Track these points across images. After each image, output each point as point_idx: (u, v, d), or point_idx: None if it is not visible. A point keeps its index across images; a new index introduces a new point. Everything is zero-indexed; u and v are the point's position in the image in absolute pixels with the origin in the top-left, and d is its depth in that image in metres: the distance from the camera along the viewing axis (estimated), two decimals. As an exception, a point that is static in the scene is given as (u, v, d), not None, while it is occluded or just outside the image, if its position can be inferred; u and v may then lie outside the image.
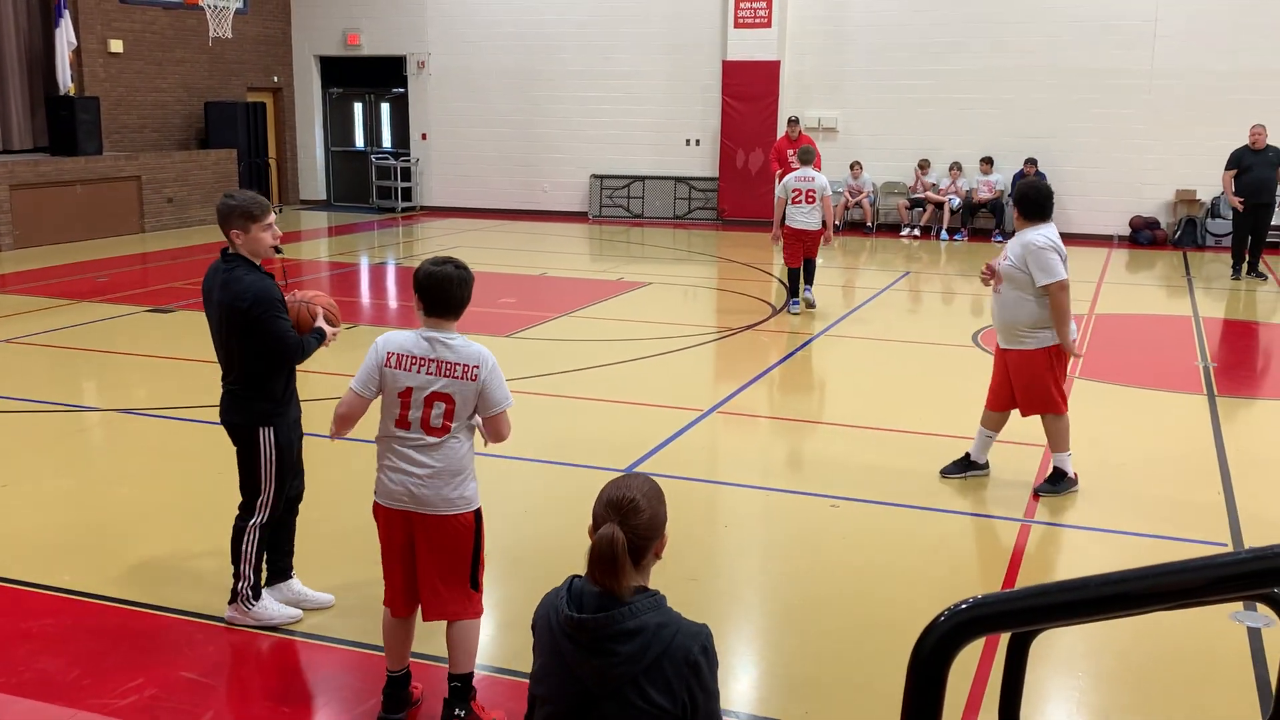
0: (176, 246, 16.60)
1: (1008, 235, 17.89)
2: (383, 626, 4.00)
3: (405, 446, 3.79)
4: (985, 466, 6.67)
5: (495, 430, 3.85)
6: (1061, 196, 18.25)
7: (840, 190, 19.10)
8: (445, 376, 3.74)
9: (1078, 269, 14.94)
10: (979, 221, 18.55)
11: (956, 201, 18.35)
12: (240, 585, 4.63)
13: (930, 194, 18.58)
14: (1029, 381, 6.25)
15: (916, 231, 18.56)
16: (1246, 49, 16.99)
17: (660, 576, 2.72)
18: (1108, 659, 4.56)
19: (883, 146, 19.11)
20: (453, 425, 3.77)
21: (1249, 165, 14.10)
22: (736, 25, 19.35)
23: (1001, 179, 18.34)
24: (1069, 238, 18.26)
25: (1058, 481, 6.38)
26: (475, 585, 3.89)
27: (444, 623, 3.94)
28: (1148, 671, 4.47)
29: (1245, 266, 14.39)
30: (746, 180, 19.45)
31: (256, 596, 4.65)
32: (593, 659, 2.50)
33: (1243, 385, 9.25)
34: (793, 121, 16.58)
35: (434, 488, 3.77)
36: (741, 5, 19.25)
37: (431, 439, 3.77)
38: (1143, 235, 17.63)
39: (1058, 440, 6.37)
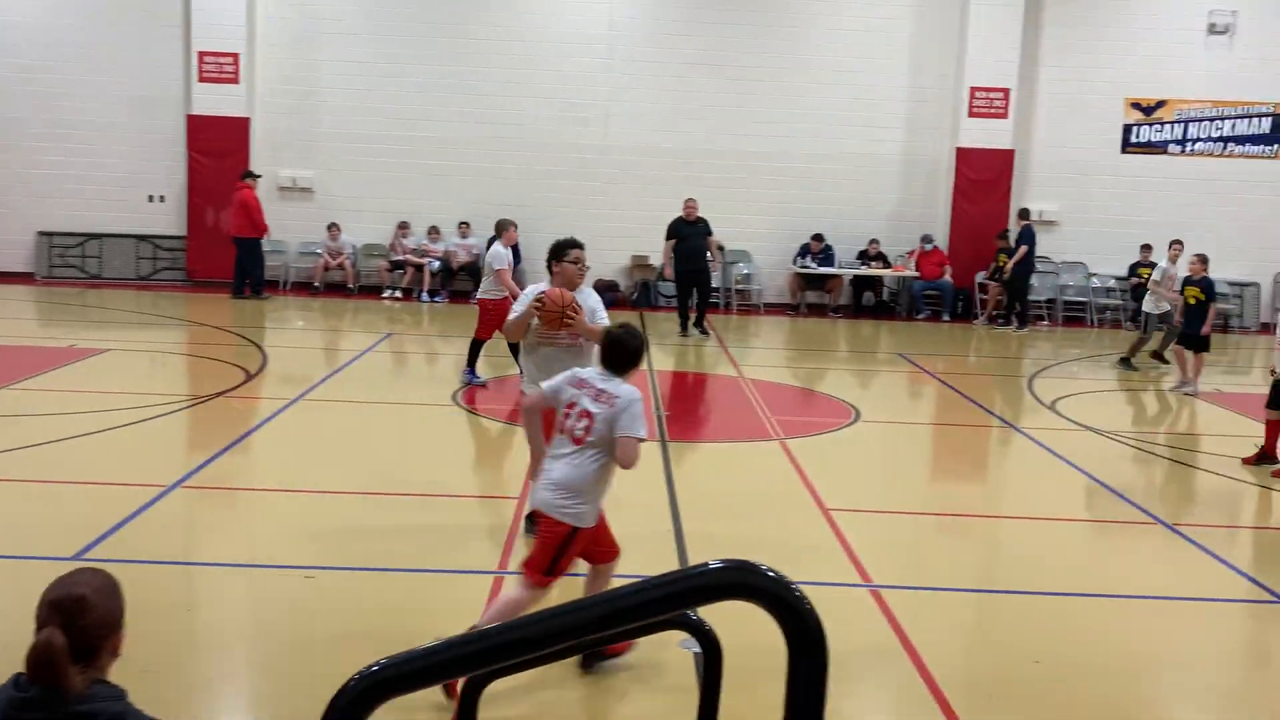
0: None
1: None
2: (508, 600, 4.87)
3: (557, 448, 4.82)
4: None
5: (623, 452, 4.70)
6: (536, 261, 19.32)
7: (319, 252, 18.86)
8: (597, 399, 4.77)
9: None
10: (458, 283, 19.08)
11: (436, 264, 18.76)
12: None
13: (411, 256, 18.85)
14: None
15: (398, 293, 18.72)
16: (685, 130, 19.08)
17: (110, 672, 2.46)
18: (560, 701, 4.77)
19: (361, 209, 19.10)
20: (588, 438, 4.72)
21: (685, 235, 15.84)
22: (201, 79, 18.49)
23: (478, 243, 19.04)
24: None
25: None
26: (549, 572, 4.74)
27: None
28: (602, 707, 4.74)
29: (690, 324, 16.03)
30: (218, 240, 18.54)
31: None
32: None
33: (690, 430, 10.24)
34: (252, 175, 17.22)
35: (547, 498, 4.75)
36: (206, 59, 18.44)
37: (574, 448, 4.74)
38: (606, 297, 18.88)
39: None
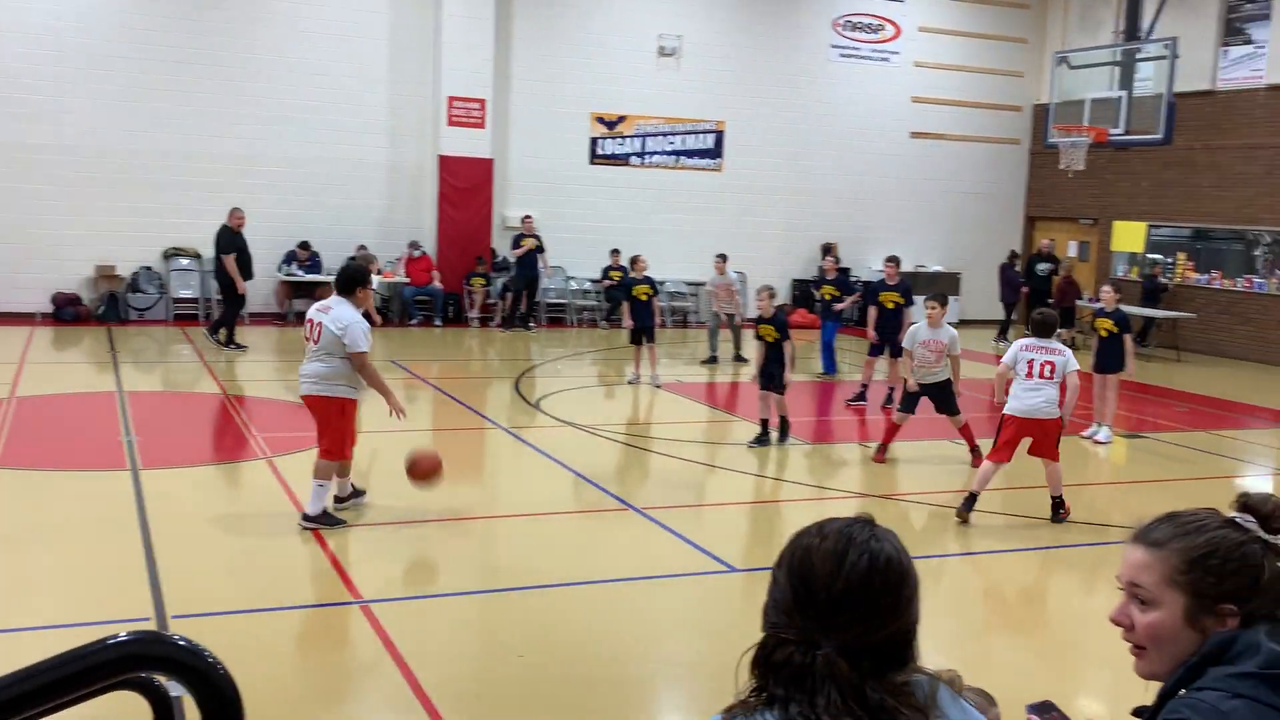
0: None
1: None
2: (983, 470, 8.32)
3: (1027, 388, 8.26)
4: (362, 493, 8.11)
5: (1071, 381, 8.30)
6: (-24, 273, 17.10)
7: None
8: (1049, 354, 8.31)
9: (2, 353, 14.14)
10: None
11: None
12: None
13: None
14: (320, 421, 7.55)
15: None
16: (155, 131, 17.74)
17: None
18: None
19: None
20: (1053, 376, 8.25)
21: (241, 246, 15.24)
22: None
23: (-99, 255, 16.48)
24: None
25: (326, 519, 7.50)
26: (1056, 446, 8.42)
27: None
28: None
29: (224, 335, 15.38)
30: None
31: None
32: None
33: (166, 455, 9.52)
34: None
35: (1045, 408, 8.24)
36: None
37: (1043, 382, 8.25)
38: (66, 312, 17.31)
39: (327, 472, 7.52)
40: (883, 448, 10.33)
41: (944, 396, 10.15)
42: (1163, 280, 20.16)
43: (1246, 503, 1.90)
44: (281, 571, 6.71)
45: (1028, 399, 8.28)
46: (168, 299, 18.02)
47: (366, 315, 7.86)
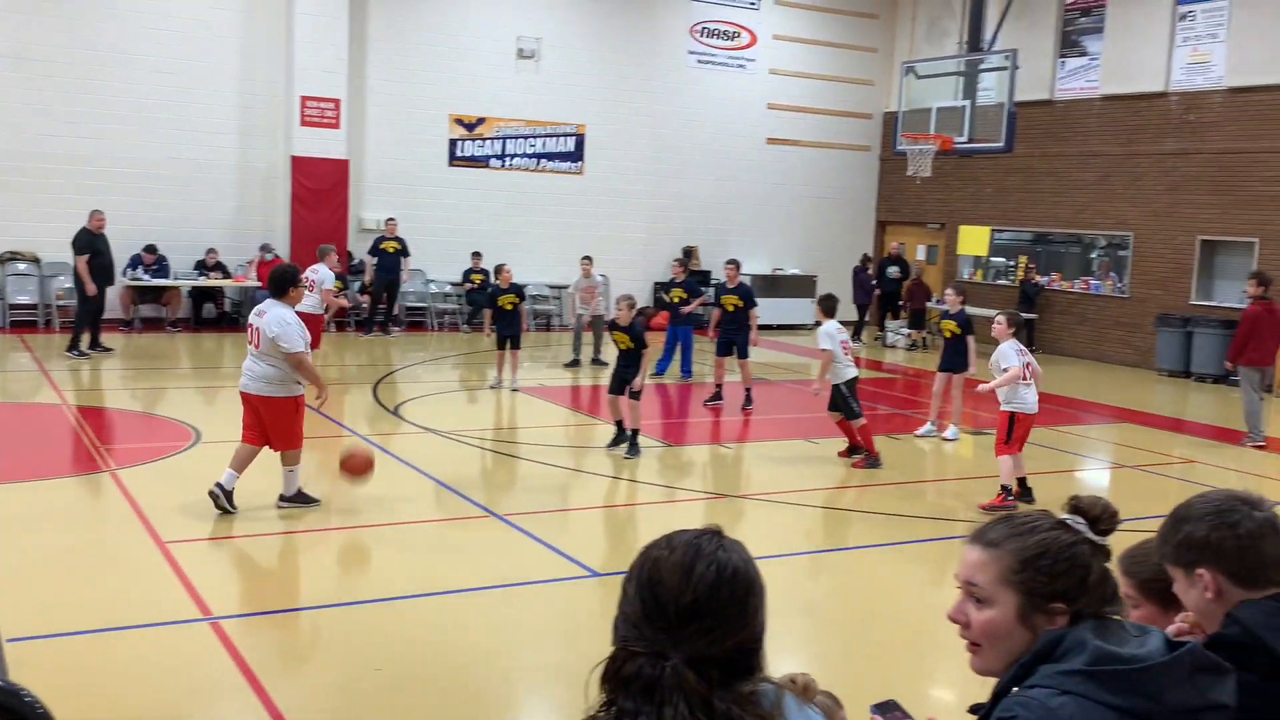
0: None
1: None
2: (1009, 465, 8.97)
3: (1027, 387, 8.94)
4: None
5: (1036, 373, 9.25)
6: None
7: None
8: (1028, 354, 9.12)
9: None
10: None
11: None
12: None
13: None
14: (276, 421, 7.90)
15: None
16: (34, 132, 16.89)
17: None
18: None
19: None
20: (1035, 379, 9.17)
21: (99, 249, 14.72)
22: None
23: None
24: None
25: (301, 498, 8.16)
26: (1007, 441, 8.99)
27: None
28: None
29: (87, 341, 14.87)
30: None
31: None
32: None
33: None
34: None
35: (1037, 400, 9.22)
36: None
37: (1032, 379, 9.04)
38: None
39: (296, 458, 8.07)
40: (851, 449, 10.53)
41: (840, 395, 10.32)
42: (1037, 282, 20.87)
43: (1077, 505, 1.99)
44: (125, 589, 6.43)
45: (1034, 396, 9.11)
46: (3, 306, 17.15)
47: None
